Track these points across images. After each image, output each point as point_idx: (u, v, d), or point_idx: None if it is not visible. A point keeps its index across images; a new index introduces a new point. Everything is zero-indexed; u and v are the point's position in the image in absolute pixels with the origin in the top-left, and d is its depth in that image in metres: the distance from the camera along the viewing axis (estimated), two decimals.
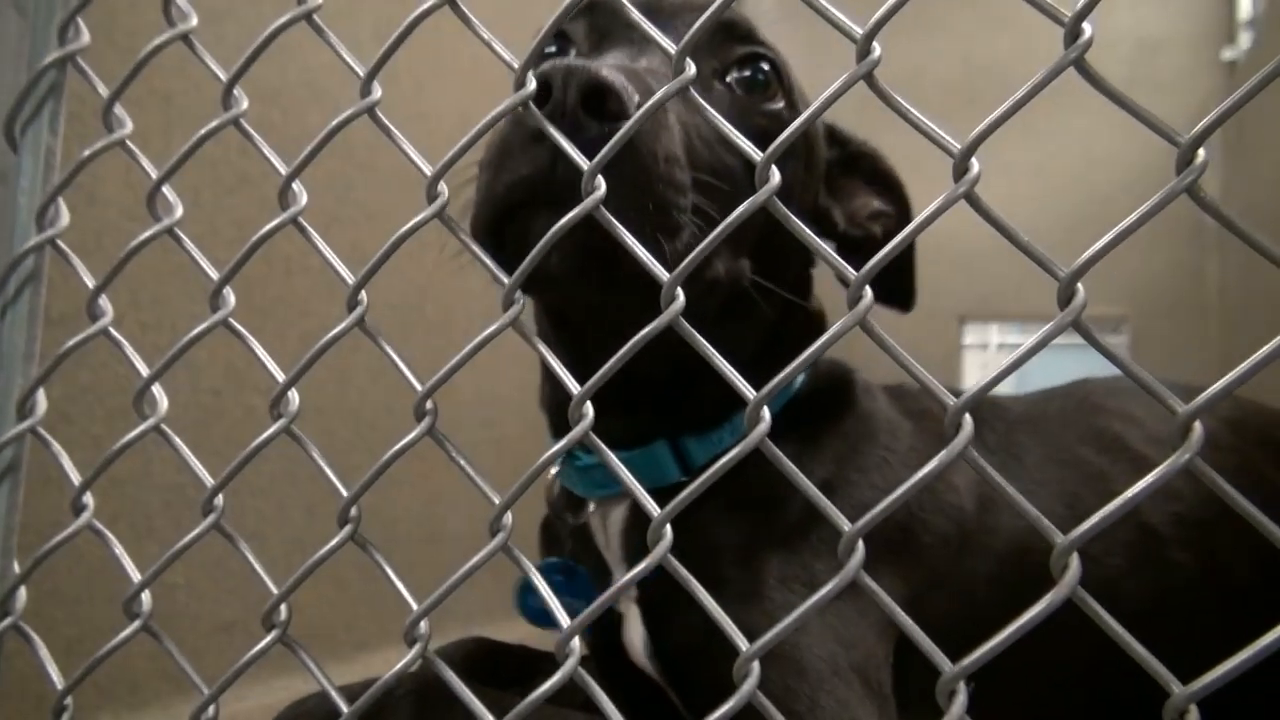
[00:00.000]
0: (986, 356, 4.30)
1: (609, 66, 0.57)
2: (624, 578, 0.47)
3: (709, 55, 0.72)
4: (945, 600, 0.74)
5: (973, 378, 4.14)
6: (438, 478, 1.79)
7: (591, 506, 0.81)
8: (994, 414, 0.94)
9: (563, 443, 0.48)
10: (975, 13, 4.02)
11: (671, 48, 0.47)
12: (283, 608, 0.53)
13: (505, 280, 0.49)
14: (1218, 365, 3.07)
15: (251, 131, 0.54)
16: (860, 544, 0.43)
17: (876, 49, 0.44)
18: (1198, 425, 0.41)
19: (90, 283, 0.62)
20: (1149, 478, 0.40)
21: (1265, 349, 0.39)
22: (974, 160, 0.44)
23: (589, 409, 0.48)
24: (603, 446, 0.49)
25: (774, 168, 0.45)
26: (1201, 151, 0.43)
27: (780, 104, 0.75)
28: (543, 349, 0.50)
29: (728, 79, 0.74)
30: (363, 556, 0.53)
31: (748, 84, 0.74)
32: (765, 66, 0.75)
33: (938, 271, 3.30)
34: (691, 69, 0.46)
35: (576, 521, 0.81)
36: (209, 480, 0.54)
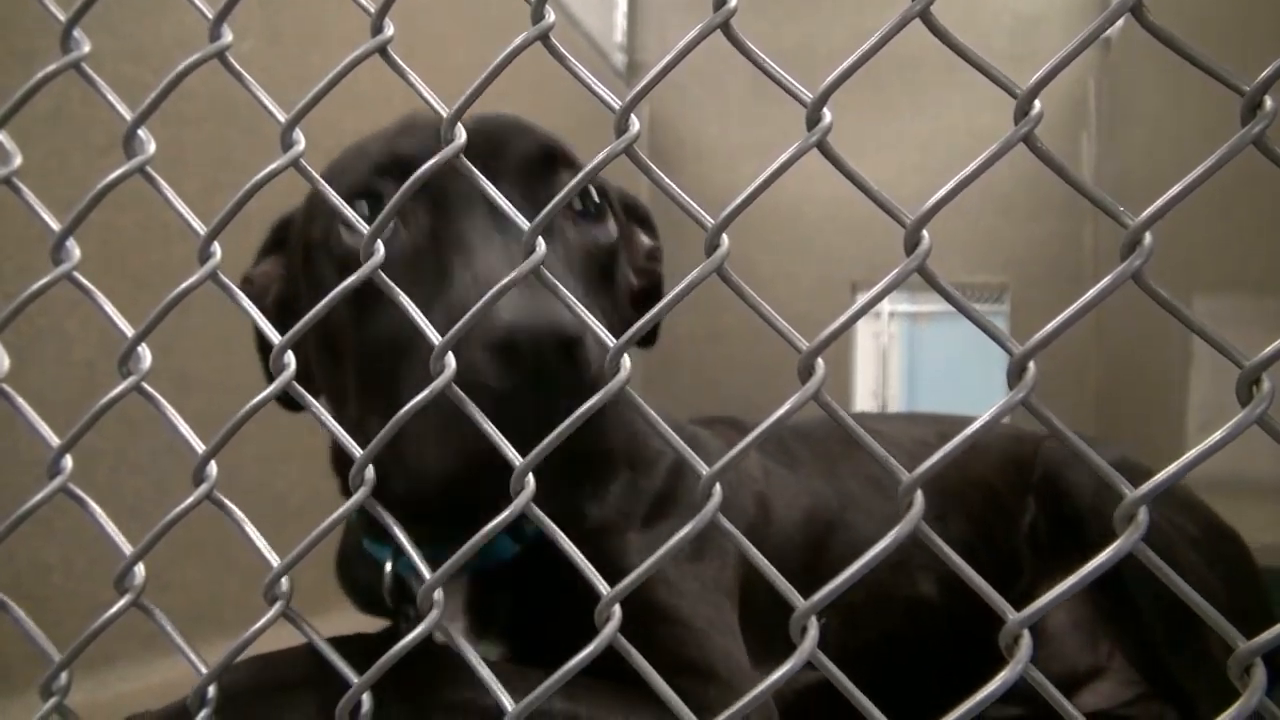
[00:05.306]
0: (879, 325, 4.41)
1: (559, 307, 0.52)
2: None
3: (544, 188, 0.69)
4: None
5: (865, 345, 4.25)
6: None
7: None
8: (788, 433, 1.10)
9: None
10: None
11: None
12: (137, 570, 0.51)
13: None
14: (1093, 328, 3.21)
15: (93, 75, 0.52)
16: (717, 486, 0.44)
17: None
18: (1031, 365, 0.43)
19: None
20: (989, 412, 0.43)
21: (1083, 299, 0.42)
22: (826, 110, 0.45)
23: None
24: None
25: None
26: (1037, 103, 0.45)
27: (611, 227, 0.74)
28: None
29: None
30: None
31: (583, 215, 0.72)
32: (595, 197, 0.73)
33: (830, 239, 3.38)
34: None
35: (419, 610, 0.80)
36: (54, 440, 0.52)
